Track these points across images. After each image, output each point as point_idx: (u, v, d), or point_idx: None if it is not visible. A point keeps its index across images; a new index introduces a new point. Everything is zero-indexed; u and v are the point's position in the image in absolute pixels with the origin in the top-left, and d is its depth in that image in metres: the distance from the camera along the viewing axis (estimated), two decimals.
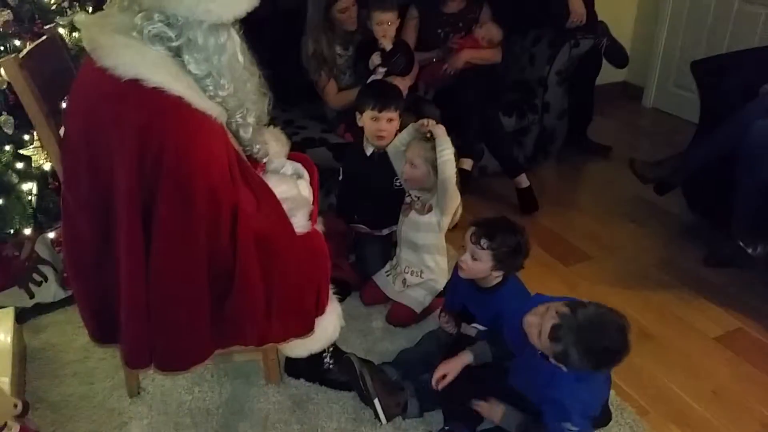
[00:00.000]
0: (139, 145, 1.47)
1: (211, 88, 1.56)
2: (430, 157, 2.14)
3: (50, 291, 2.39)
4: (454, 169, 2.11)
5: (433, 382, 1.82)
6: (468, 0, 3.20)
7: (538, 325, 1.58)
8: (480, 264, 1.88)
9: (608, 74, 3.90)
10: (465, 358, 1.83)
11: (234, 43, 1.58)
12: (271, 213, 1.70)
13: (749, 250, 2.37)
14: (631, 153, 3.51)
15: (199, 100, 1.52)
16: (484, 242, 1.85)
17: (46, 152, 2.19)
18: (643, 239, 2.90)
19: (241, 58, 1.61)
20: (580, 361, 1.52)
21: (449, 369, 1.82)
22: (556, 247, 2.76)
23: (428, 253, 2.28)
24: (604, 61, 3.54)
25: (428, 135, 2.17)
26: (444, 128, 2.14)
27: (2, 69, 1.67)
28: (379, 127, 2.36)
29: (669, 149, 3.10)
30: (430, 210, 2.22)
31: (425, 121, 2.19)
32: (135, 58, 1.46)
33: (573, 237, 2.87)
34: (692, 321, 2.37)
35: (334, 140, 2.91)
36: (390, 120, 2.35)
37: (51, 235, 2.35)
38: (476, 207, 2.92)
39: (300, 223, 1.75)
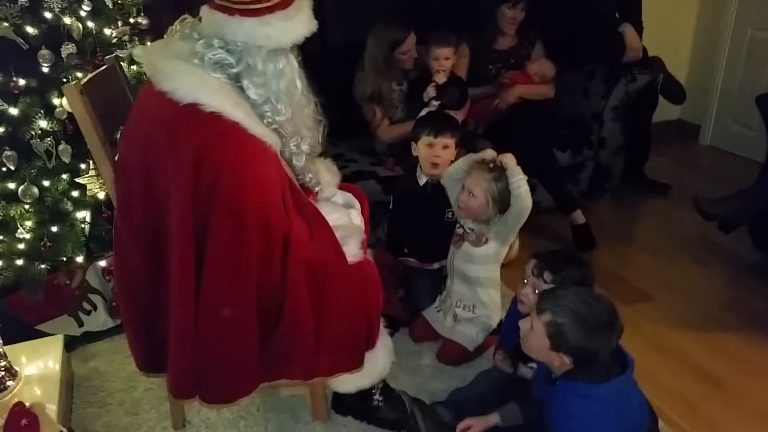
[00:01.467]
0: (194, 169, 1.46)
1: (269, 114, 1.56)
2: (491, 189, 2.08)
3: (99, 320, 2.39)
4: (531, 200, 2.05)
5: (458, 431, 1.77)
6: (520, 37, 3.18)
7: (529, 321, 1.54)
8: None
9: (663, 111, 3.81)
10: (492, 418, 1.76)
11: (292, 68, 1.58)
12: (323, 241, 1.66)
13: None
14: (689, 191, 3.38)
15: (255, 127, 1.51)
16: (547, 275, 1.78)
17: (100, 179, 2.22)
18: (707, 279, 2.76)
19: (299, 83, 1.60)
20: (571, 331, 1.45)
21: (474, 423, 1.76)
22: (616, 286, 2.63)
23: (482, 287, 2.20)
24: (660, 97, 3.45)
25: (491, 165, 2.12)
26: (514, 158, 2.08)
27: (65, 95, 1.69)
28: (435, 153, 2.31)
29: (728, 187, 2.97)
30: (486, 242, 2.15)
31: (490, 152, 2.14)
32: (194, 83, 1.47)
33: (633, 276, 2.75)
34: (764, 365, 2.21)
35: (384, 173, 2.89)
36: (445, 147, 2.31)
37: (102, 263, 2.36)
38: (530, 243, 2.83)
39: (352, 251, 1.71)
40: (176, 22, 1.63)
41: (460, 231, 2.23)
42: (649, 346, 2.29)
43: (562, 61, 3.20)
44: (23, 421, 1.51)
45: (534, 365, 1.92)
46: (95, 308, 2.39)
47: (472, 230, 2.18)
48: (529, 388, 1.85)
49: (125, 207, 1.65)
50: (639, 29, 3.21)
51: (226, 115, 1.46)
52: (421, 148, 2.35)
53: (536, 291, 1.82)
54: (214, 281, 1.54)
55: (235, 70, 1.52)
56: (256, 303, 1.57)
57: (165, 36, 1.66)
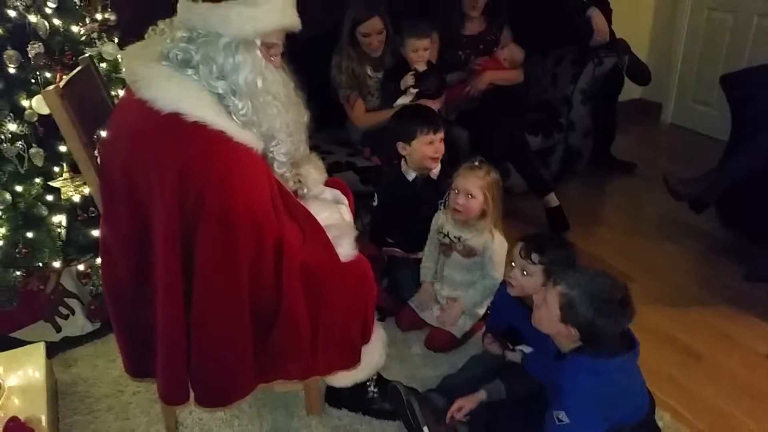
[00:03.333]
0: (180, 182, 1.44)
1: (231, 108, 1.51)
2: (487, 183, 2.13)
3: (78, 324, 2.34)
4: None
5: (449, 415, 1.82)
6: (488, 22, 3.19)
7: (542, 293, 1.60)
8: (530, 279, 1.85)
9: (625, 91, 3.86)
10: (479, 395, 1.82)
11: (255, 64, 1.51)
12: (317, 243, 1.66)
13: None
14: (654, 170, 3.49)
15: (240, 133, 1.49)
16: (535, 257, 1.83)
17: (75, 182, 2.17)
18: (679, 257, 2.84)
19: (260, 81, 1.52)
20: (582, 303, 1.49)
21: (464, 403, 1.81)
22: (592, 266, 2.69)
23: (471, 287, 2.25)
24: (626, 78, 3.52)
25: (476, 164, 2.16)
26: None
27: (44, 101, 1.64)
28: (436, 148, 2.33)
29: (691, 164, 3.05)
30: (473, 255, 2.19)
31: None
32: (175, 91, 1.44)
33: (607, 256, 2.81)
34: (740, 338, 2.30)
35: (362, 164, 2.88)
36: (442, 140, 2.34)
37: (80, 267, 2.31)
38: (505, 227, 2.86)
39: (347, 250, 1.71)
40: (159, 22, 1.59)
41: (446, 241, 2.24)
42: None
43: (530, 46, 3.23)
44: None
45: (524, 348, 1.96)
46: (73, 312, 2.34)
47: (459, 238, 2.20)
48: (519, 366, 1.89)
49: (110, 215, 1.62)
50: (608, 12, 3.25)
51: (209, 124, 1.43)
52: (419, 147, 2.32)
53: (524, 273, 1.86)
54: (206, 289, 1.53)
55: (195, 59, 1.46)
56: (249, 308, 1.57)
57: (145, 36, 1.61)
